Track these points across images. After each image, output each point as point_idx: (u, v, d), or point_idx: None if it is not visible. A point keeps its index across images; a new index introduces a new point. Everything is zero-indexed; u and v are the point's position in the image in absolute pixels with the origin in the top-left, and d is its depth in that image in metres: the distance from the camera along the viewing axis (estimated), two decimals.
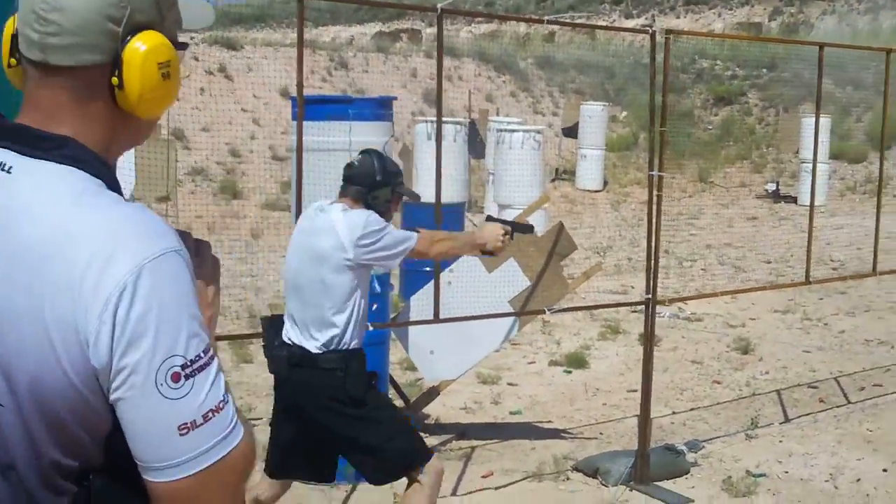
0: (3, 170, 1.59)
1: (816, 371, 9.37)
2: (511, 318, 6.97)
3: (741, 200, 21.90)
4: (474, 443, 7.16)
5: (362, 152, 4.81)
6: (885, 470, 6.89)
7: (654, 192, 6.73)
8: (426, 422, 7.49)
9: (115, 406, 1.52)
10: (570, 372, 9.19)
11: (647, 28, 7.40)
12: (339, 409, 4.53)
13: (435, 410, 7.66)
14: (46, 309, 1.49)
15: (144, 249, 1.52)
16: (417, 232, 4.68)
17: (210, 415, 1.54)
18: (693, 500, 6.29)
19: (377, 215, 4.57)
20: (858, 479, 6.71)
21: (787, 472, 6.81)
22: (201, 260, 1.76)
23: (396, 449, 4.58)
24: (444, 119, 13.50)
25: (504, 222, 5.06)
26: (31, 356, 1.50)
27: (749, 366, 9.49)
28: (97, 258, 1.50)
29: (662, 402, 8.30)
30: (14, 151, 1.60)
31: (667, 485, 6.52)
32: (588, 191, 22.59)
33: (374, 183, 4.64)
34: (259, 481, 4.81)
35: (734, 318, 11.42)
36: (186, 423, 1.52)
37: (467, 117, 19.98)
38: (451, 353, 6.98)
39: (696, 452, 7.04)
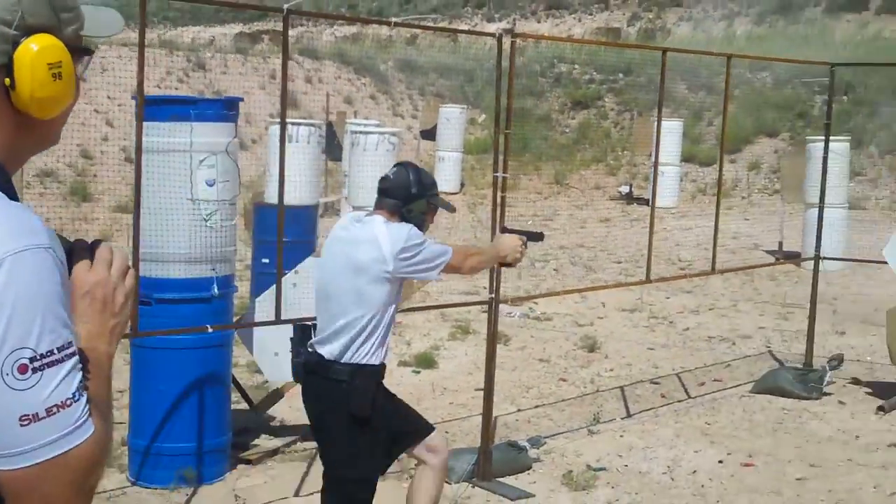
0: None
1: (659, 367, 9.63)
2: None
3: (595, 202, 22.34)
4: None
5: (397, 165, 4.82)
6: (720, 461, 7.13)
7: (499, 194, 6.82)
8: (271, 423, 7.48)
9: None
10: (418, 372, 9.28)
11: (494, 32, 7.50)
12: (337, 425, 4.53)
13: (281, 412, 7.65)
14: None
15: (9, 243, 1.55)
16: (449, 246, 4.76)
17: (55, 410, 1.56)
18: (534, 495, 6.42)
19: (417, 229, 4.57)
20: (695, 471, 6.93)
21: (626, 466, 7.00)
22: (98, 261, 1.77)
23: (348, 494, 4.66)
24: (299, 121, 13.52)
25: (518, 232, 5.13)
26: None
27: (595, 363, 9.71)
28: None
29: (509, 399, 8.44)
30: None
31: (509, 480, 6.64)
32: (445, 193, 22.73)
33: (409, 196, 4.61)
34: None
35: (583, 317, 11.66)
36: (28, 415, 1.55)
37: (325, 119, 19.96)
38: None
39: (538, 448, 7.18)
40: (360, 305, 4.46)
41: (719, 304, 12.60)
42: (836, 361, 8.89)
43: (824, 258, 9.99)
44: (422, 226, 4.66)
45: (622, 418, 8.06)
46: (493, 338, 6.80)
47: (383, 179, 4.71)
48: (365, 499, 4.68)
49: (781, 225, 16.01)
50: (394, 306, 4.59)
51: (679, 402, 8.57)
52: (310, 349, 4.61)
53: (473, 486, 6.52)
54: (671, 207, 21.81)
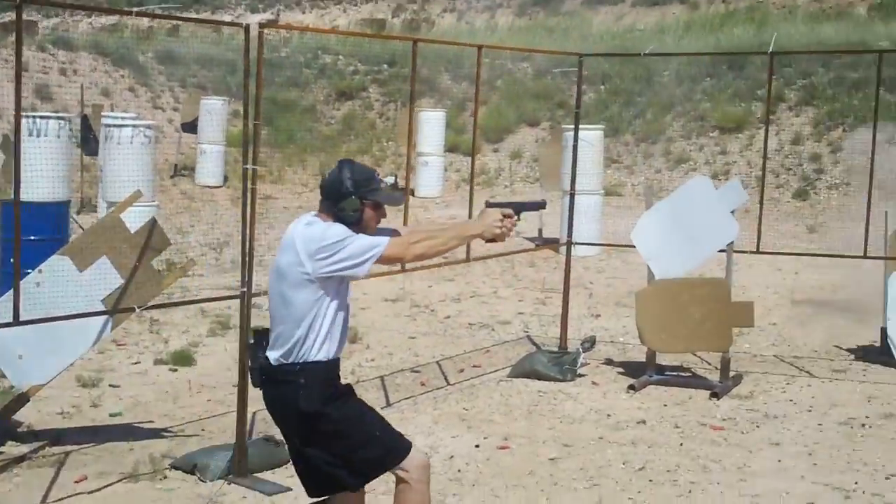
0: None
1: (420, 356, 9.71)
2: (103, 318, 6.78)
3: None
4: (69, 448, 6.90)
5: (338, 163, 4.71)
6: (476, 446, 7.23)
7: (249, 185, 6.69)
8: (19, 430, 7.16)
9: None
10: (175, 370, 9.06)
11: (240, 22, 7.35)
12: (301, 423, 4.53)
13: (28, 417, 7.34)
14: None
15: None
16: (394, 234, 4.63)
17: None
18: (291, 489, 6.34)
19: (341, 227, 4.49)
20: (451, 457, 7.00)
21: None
22: None
23: (367, 458, 4.58)
24: (48, 114, 13.00)
25: (507, 205, 4.80)
26: None
27: (356, 354, 9.70)
28: None
29: None
30: None
31: (267, 475, 6.56)
32: (208, 187, 22.34)
33: (339, 195, 4.54)
34: None
35: None
36: None
37: (80, 113, 19.29)
38: (40, 356, 6.70)
39: None
40: (288, 309, 4.48)
41: (480, 291, 12.81)
42: (589, 343, 9.16)
43: (576, 243, 10.28)
44: (358, 224, 4.57)
45: (382, 408, 8.06)
46: (244, 332, 6.69)
47: (323, 180, 4.68)
48: (385, 449, 4.60)
49: (541, 212, 16.38)
50: (335, 302, 4.51)
51: (438, 389, 8.65)
52: (262, 356, 4.64)
53: (230, 483, 6.41)
54: (435, 197, 22.09)
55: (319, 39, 29.59)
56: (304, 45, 29.74)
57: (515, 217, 4.72)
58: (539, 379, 8.83)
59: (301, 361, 4.49)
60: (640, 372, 8.97)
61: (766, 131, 9.48)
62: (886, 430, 7.68)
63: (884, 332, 9.45)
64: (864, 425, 7.76)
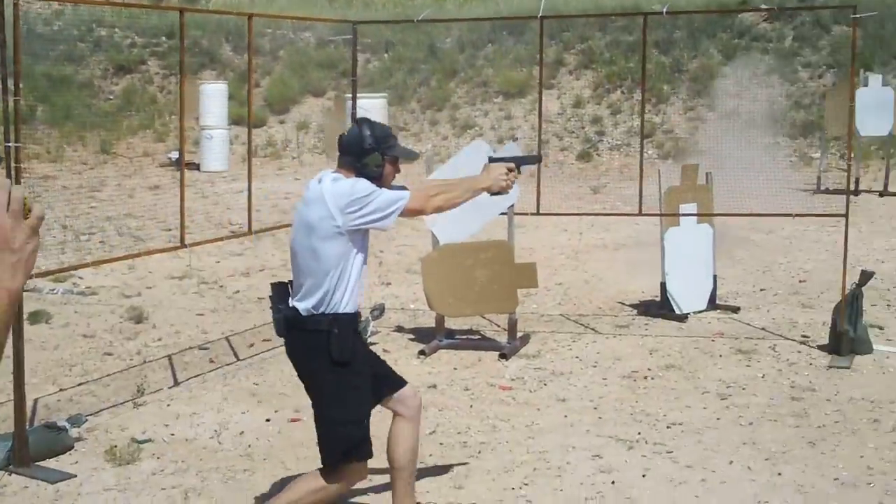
0: None
1: (209, 332, 9.54)
2: None
3: (144, 170, 21.81)
4: None
5: (354, 121, 5.05)
6: (267, 420, 7.16)
7: (13, 164, 6.40)
8: None
9: None
10: None
11: None
12: (322, 370, 4.80)
13: None
14: None
15: None
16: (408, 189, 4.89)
17: None
18: (75, 475, 6.15)
19: (366, 181, 4.76)
20: (242, 432, 6.91)
21: (172, 435, 6.87)
22: None
23: (344, 435, 4.84)
24: None
25: (508, 159, 5.21)
26: None
27: (142, 334, 9.46)
28: None
29: (50, 380, 8.06)
30: None
31: (50, 463, 6.33)
32: None
33: (362, 151, 4.80)
34: None
35: (131, 288, 11.33)
36: None
37: None
38: None
39: (79, 427, 6.87)
40: (319, 262, 4.72)
41: (270, 264, 12.66)
42: (378, 311, 9.16)
43: None
44: (380, 178, 4.85)
45: (169, 387, 7.90)
46: (19, 316, 6.41)
47: (340, 138, 4.95)
48: (360, 438, 4.88)
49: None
50: (361, 255, 4.81)
51: (228, 365, 8.52)
52: (289, 306, 4.84)
53: (10, 474, 6.16)
54: (222, 171, 21.71)
55: (93, 12, 28.60)
56: (78, 18, 28.69)
57: (516, 171, 5.13)
58: None
59: (332, 312, 4.75)
60: (431, 337, 9.04)
61: (540, 94, 9.62)
62: (667, 381, 7.96)
63: (663, 286, 9.79)
64: (646, 377, 8.02)
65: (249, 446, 6.68)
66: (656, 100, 20.92)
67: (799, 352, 8.59)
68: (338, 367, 4.79)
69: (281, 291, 4.97)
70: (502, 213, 8.97)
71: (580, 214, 10.89)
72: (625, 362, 8.42)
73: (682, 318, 9.60)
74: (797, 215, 9.78)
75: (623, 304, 10.40)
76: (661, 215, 9.71)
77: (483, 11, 25.17)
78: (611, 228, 13.56)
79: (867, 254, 12.04)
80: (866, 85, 16.65)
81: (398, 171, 5.03)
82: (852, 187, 16.37)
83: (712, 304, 9.92)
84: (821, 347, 8.65)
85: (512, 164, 5.11)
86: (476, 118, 23.08)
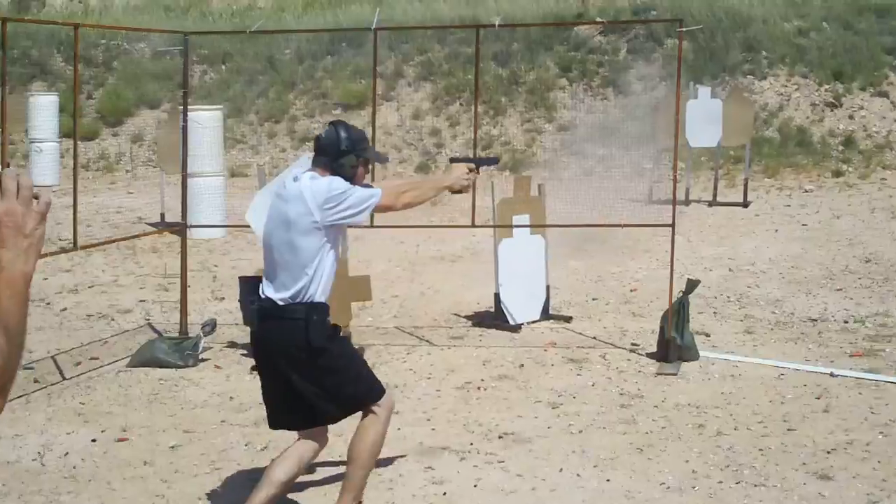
0: None
1: (34, 352, 9.21)
2: None
3: None
4: None
5: (330, 124, 5.36)
6: (93, 440, 6.97)
7: None
8: None
9: None
10: None
11: None
12: (302, 357, 5.10)
13: None
14: None
15: None
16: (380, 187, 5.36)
17: None
18: None
19: (341, 180, 5.15)
20: (67, 453, 6.72)
21: None
22: (4, 189, 2.08)
23: (352, 394, 5.25)
24: None
25: (467, 160, 5.77)
26: None
27: None
28: None
29: None
30: None
31: None
32: None
33: (338, 152, 5.17)
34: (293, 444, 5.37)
35: None
36: None
37: None
38: None
39: None
40: (296, 256, 5.07)
41: (99, 280, 12.34)
42: (209, 327, 9.00)
43: (192, 226, 10.08)
44: (354, 178, 5.25)
45: None
46: None
47: (317, 139, 5.32)
48: (368, 387, 5.35)
49: (162, 196, 15.97)
50: (333, 250, 5.19)
51: (53, 385, 8.26)
52: (262, 297, 5.16)
53: None
54: (52, 185, 21.08)
55: None
56: None
57: (476, 171, 5.63)
58: (160, 367, 8.60)
59: (308, 301, 5.10)
60: None
61: (374, 104, 9.59)
62: (500, 391, 8.02)
63: (497, 297, 9.86)
64: (479, 388, 8.07)
65: (74, 467, 6.49)
66: (494, 112, 21.13)
67: (629, 360, 8.76)
68: (315, 354, 5.13)
69: (252, 286, 5.42)
70: None
71: (415, 227, 10.86)
72: (458, 374, 8.45)
73: (516, 328, 9.68)
74: (625, 225, 9.98)
75: (458, 315, 10.44)
76: (494, 227, 9.79)
77: (322, 22, 25.05)
78: (447, 240, 13.61)
79: (695, 262, 12.35)
80: (696, 97, 17.12)
81: (368, 171, 5.53)
82: (683, 197, 16.86)
83: (545, 314, 10.04)
84: (650, 355, 8.82)
85: (472, 165, 5.64)
86: (315, 130, 22.89)
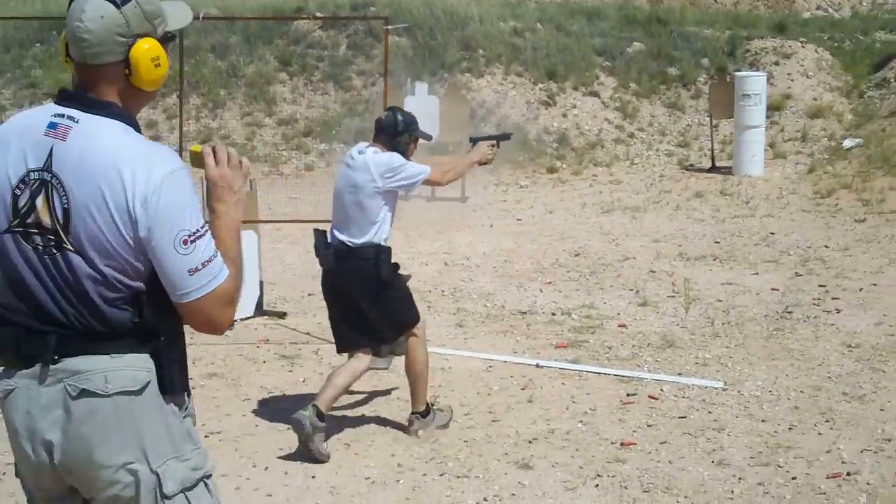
0: (73, 121, 2.96)
1: None
2: None
3: None
4: None
5: (388, 109, 6.77)
6: None
7: None
8: None
9: (152, 258, 2.94)
10: None
11: None
12: (371, 288, 6.46)
13: None
14: (109, 199, 2.88)
15: (166, 166, 2.93)
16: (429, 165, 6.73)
17: (206, 263, 2.96)
18: None
19: (399, 155, 6.52)
20: None
21: None
22: (218, 159, 3.10)
23: (404, 319, 6.70)
24: None
25: (487, 137, 7.05)
26: (100, 229, 2.89)
27: None
28: (140, 170, 2.89)
29: None
30: (78, 109, 2.99)
31: None
32: None
33: (396, 132, 6.53)
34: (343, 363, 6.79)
35: None
36: (192, 268, 2.94)
37: None
38: None
39: None
40: (363, 212, 6.45)
41: None
42: None
43: None
44: (407, 153, 6.63)
45: None
46: None
47: (378, 121, 6.67)
48: (414, 314, 6.83)
49: None
50: (391, 208, 6.61)
51: None
52: (333, 242, 6.55)
53: None
54: None
55: None
56: None
57: (496, 146, 6.96)
58: None
59: (377, 243, 6.52)
60: None
61: None
62: (209, 390, 7.92)
63: None
64: (193, 387, 7.83)
65: None
66: (213, 104, 20.72)
67: (342, 356, 8.70)
68: (383, 285, 6.53)
69: (322, 236, 6.66)
70: None
71: None
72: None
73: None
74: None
75: None
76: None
77: (30, 10, 23.97)
78: None
79: (413, 257, 12.44)
80: (413, 94, 17.32)
81: (415, 148, 6.78)
82: None
83: (259, 310, 9.89)
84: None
85: (493, 141, 6.95)
86: None
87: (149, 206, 2.88)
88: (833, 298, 10.59)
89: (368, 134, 18.18)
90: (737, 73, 20.53)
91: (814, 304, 10.39)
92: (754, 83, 19.37)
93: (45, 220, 2.92)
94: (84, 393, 2.92)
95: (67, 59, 3.07)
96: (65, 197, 2.90)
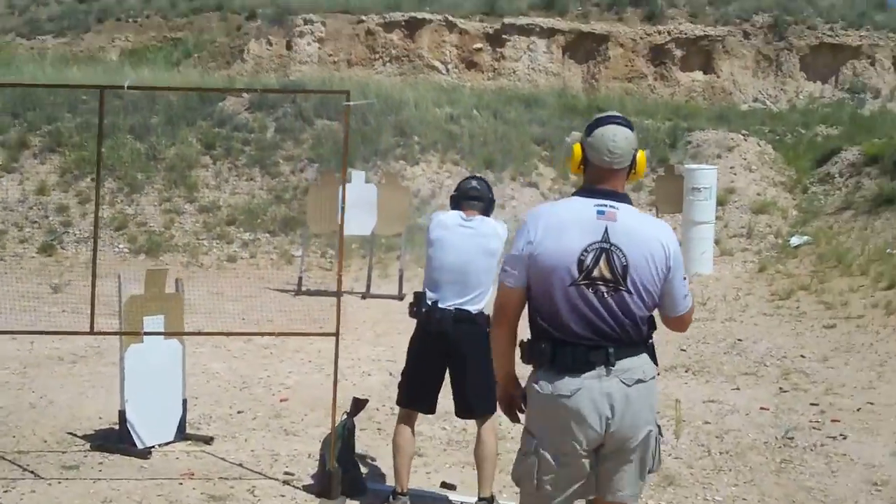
0: (614, 208, 4.53)
1: None
2: None
3: None
4: None
5: (475, 178, 7.11)
6: None
7: None
8: None
9: (666, 290, 4.64)
10: None
11: None
12: (483, 357, 6.38)
13: None
14: (655, 258, 4.54)
15: (673, 235, 4.79)
16: None
17: (686, 293, 4.70)
18: None
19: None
20: None
21: None
22: None
23: (495, 397, 5.65)
24: None
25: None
26: (647, 277, 4.53)
27: None
28: (669, 240, 4.64)
29: None
30: (615, 201, 4.57)
31: None
32: None
33: (490, 201, 6.93)
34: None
35: None
36: (684, 294, 4.69)
37: None
38: None
39: None
40: (489, 277, 6.69)
41: None
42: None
43: None
44: None
45: None
46: None
47: (474, 189, 6.89)
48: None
49: None
50: None
51: None
52: (446, 307, 6.67)
53: None
54: None
55: None
56: None
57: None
58: None
59: (481, 310, 6.65)
60: None
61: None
62: None
63: (122, 414, 8.16)
64: None
65: None
66: (130, 188, 19.22)
67: (282, 495, 7.28)
68: (486, 352, 6.00)
69: (421, 300, 6.76)
70: None
71: (21, 333, 9.15)
72: None
73: (145, 453, 8.03)
74: (280, 334, 8.61)
75: (74, 435, 8.59)
76: (121, 333, 8.12)
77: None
78: (67, 336, 11.59)
79: (352, 365, 11.10)
80: (350, 181, 16.10)
81: None
82: (335, 288, 15.67)
83: (181, 433, 8.44)
84: (307, 488, 7.42)
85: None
86: None
87: (674, 260, 4.59)
88: (833, 421, 9.46)
89: (295, 223, 16.86)
90: (686, 166, 19.64)
91: (814, 427, 9.24)
92: (704, 177, 18.51)
93: (606, 273, 4.46)
94: (637, 382, 4.46)
95: (581, 167, 4.72)
96: (623, 258, 4.47)
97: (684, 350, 12.22)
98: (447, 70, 30.39)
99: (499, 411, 6.13)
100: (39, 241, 18.54)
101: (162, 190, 19.32)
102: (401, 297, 15.24)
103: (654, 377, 4.56)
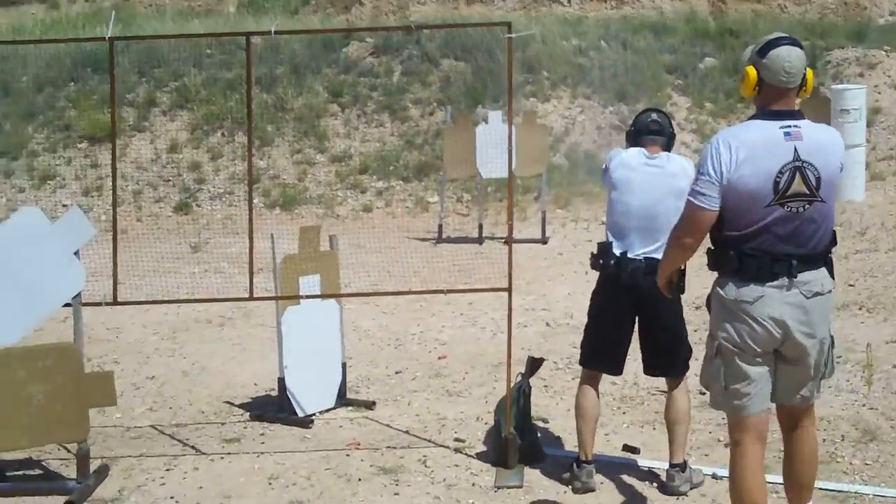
0: (797, 127, 4.75)
1: None
2: None
3: None
4: None
5: (654, 111, 6.54)
6: None
7: None
8: None
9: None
10: None
11: None
12: (674, 311, 6.21)
13: None
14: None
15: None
16: None
17: None
18: None
19: None
20: None
21: None
22: None
23: (687, 353, 6.34)
24: None
25: None
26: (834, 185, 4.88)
27: None
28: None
29: None
30: (795, 119, 4.75)
31: None
32: None
33: (671, 136, 6.40)
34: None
35: None
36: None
37: None
38: None
39: None
40: (668, 218, 5.72)
41: None
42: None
43: None
44: None
45: None
46: None
47: (654, 122, 6.35)
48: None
49: None
50: None
51: None
52: (635, 257, 6.12)
53: None
54: None
55: None
56: None
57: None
58: None
59: None
60: None
61: (114, 134, 7.48)
62: None
63: (281, 382, 7.83)
64: None
65: None
66: (260, 142, 18.98)
67: (456, 465, 6.87)
68: (677, 300, 6.00)
69: (606, 248, 6.21)
70: (66, 305, 6.76)
71: (170, 302, 8.87)
72: (236, 502, 6.41)
73: (307, 422, 7.70)
74: (450, 291, 8.20)
75: (231, 403, 8.31)
76: (277, 298, 7.77)
77: (64, 47, 22.37)
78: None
79: (503, 317, 10.56)
80: (486, 121, 15.60)
81: None
82: (477, 234, 15.22)
83: (341, 398, 8.10)
84: (480, 456, 6.98)
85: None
86: (58, 167, 20.15)
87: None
88: None
89: (429, 168, 16.36)
90: (833, 87, 18.59)
91: None
92: (853, 97, 17.45)
93: (803, 188, 4.73)
94: (815, 295, 4.79)
95: (756, 88, 4.84)
96: (816, 171, 4.73)
97: (852, 286, 11.48)
98: (569, 1, 29.53)
99: (692, 369, 5.76)
100: (175, 199, 18.43)
101: (293, 142, 19.04)
102: (545, 241, 14.72)
103: (831, 290, 4.89)
